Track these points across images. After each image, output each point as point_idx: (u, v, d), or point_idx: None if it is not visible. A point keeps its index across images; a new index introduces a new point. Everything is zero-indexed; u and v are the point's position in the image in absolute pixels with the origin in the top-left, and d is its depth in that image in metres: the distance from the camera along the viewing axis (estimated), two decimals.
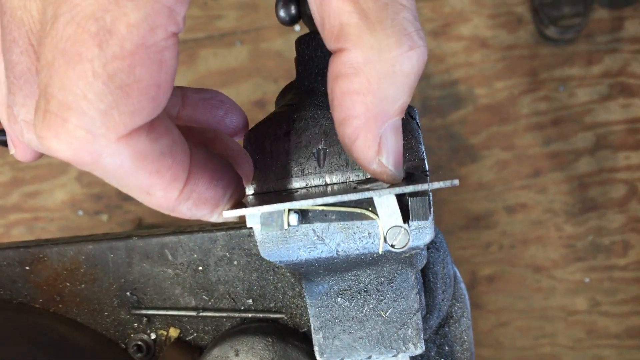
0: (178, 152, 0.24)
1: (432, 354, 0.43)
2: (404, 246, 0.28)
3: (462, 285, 0.43)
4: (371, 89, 0.24)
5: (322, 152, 0.31)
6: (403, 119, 0.26)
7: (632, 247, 1.32)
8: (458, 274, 0.43)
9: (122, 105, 0.21)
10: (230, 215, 0.26)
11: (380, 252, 0.30)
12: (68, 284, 0.45)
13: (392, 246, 0.28)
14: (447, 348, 0.43)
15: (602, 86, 1.31)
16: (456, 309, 0.43)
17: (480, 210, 1.36)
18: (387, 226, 0.28)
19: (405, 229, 0.28)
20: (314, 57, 0.35)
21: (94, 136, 0.21)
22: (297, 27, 1.30)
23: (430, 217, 0.28)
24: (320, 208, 0.28)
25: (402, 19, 0.24)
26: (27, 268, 0.45)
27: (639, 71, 1.30)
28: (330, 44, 0.24)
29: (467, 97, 1.35)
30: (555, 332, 1.33)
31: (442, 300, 0.42)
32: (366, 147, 0.25)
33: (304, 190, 0.30)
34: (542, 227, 1.34)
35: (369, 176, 0.30)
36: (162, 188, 0.24)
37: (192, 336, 0.45)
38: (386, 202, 0.28)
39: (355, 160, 0.26)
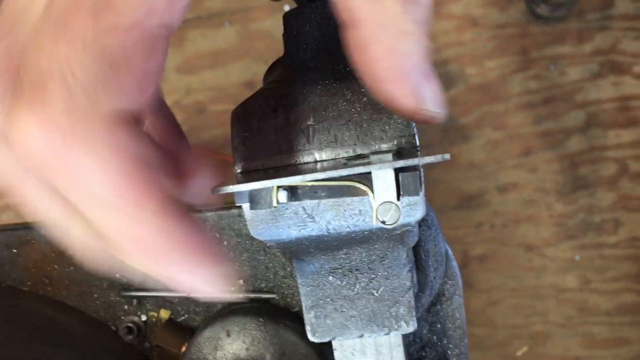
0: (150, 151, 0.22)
1: (424, 331, 0.43)
2: (395, 222, 0.28)
3: (454, 263, 0.43)
4: (392, 51, 0.24)
5: (311, 128, 0.30)
6: None
7: (622, 224, 1.32)
8: (450, 251, 0.43)
9: (109, 82, 0.19)
10: (219, 192, 0.25)
11: (374, 224, 0.29)
12: (56, 266, 0.45)
13: (383, 222, 0.28)
14: (439, 326, 0.43)
15: (592, 64, 1.31)
16: (448, 286, 0.43)
17: (472, 189, 1.36)
18: (379, 201, 0.28)
19: (396, 205, 0.28)
20: (302, 32, 0.34)
21: (82, 113, 0.19)
22: (286, 7, 1.29)
23: (421, 193, 0.28)
24: (311, 184, 0.27)
25: None
26: (15, 251, 0.45)
27: (629, 49, 1.30)
28: (344, 17, 0.25)
29: (458, 76, 1.34)
30: (546, 310, 1.34)
31: (434, 278, 0.41)
32: (405, 105, 0.25)
33: (293, 168, 0.29)
34: (534, 206, 1.34)
35: (359, 152, 0.30)
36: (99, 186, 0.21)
37: (183, 317, 0.45)
38: (383, 177, 0.27)
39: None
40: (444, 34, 1.32)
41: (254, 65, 1.35)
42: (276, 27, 1.33)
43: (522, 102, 1.31)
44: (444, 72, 1.33)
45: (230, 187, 0.25)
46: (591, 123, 1.30)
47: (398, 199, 0.28)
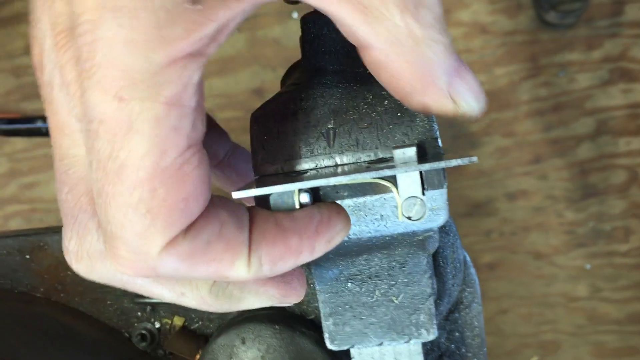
0: (230, 231, 0.25)
1: (442, 340, 0.43)
2: (421, 217, 0.28)
3: (472, 270, 0.42)
4: (411, 64, 0.24)
5: (331, 131, 0.30)
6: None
7: (633, 233, 1.31)
8: (468, 258, 0.42)
9: (154, 225, 0.23)
10: (240, 196, 0.25)
11: (400, 219, 0.29)
12: (69, 272, 0.44)
13: (409, 217, 0.28)
14: (457, 334, 0.42)
15: (602, 71, 1.31)
16: (466, 294, 0.42)
17: (481, 197, 1.36)
18: (403, 197, 0.27)
19: (421, 200, 0.27)
20: (320, 35, 0.34)
21: (141, 255, 0.24)
22: (294, 13, 1.29)
23: (445, 186, 0.28)
24: (333, 183, 0.27)
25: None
26: (28, 257, 0.44)
27: (639, 56, 1.29)
28: (352, 42, 0.25)
29: None
30: (556, 318, 1.33)
31: (452, 285, 0.41)
32: (442, 110, 0.25)
33: (314, 171, 0.29)
34: (543, 213, 1.33)
35: (381, 156, 0.29)
36: (228, 268, 0.25)
37: (197, 324, 0.44)
38: (407, 175, 0.27)
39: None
40: (453, 41, 1.31)
41: (262, 73, 1.35)
42: (284, 34, 1.33)
43: (531, 110, 1.31)
44: None
45: (254, 190, 0.25)
46: (601, 130, 1.30)
47: (423, 193, 0.27)
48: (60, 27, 0.23)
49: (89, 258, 0.26)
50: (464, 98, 0.25)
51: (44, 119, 1.12)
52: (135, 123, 0.22)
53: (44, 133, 1.01)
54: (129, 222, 0.23)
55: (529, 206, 1.32)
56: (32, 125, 1.03)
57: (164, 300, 0.28)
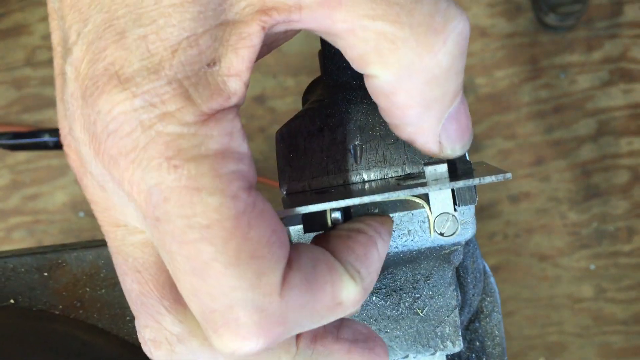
0: (319, 252, 0.25)
1: (463, 349, 0.43)
2: (454, 233, 0.28)
3: (492, 280, 0.42)
4: (415, 102, 0.23)
5: (358, 148, 0.30)
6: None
7: (636, 232, 1.32)
8: (487, 267, 0.42)
9: (263, 267, 0.22)
10: (286, 214, 0.25)
11: (432, 237, 0.29)
12: (88, 289, 0.44)
13: (442, 234, 0.28)
14: (477, 343, 0.42)
15: (602, 72, 1.31)
16: (486, 303, 0.42)
17: (484, 200, 1.36)
18: (435, 213, 0.27)
19: (453, 216, 0.27)
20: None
21: (266, 310, 0.22)
22: None
23: (476, 203, 0.28)
24: (368, 201, 0.27)
25: (421, 13, 0.22)
26: (46, 274, 0.44)
27: (639, 56, 1.30)
28: (357, 69, 0.24)
29: (468, 87, 1.34)
30: (561, 320, 1.33)
31: (473, 295, 0.41)
32: (427, 148, 0.25)
33: (343, 188, 0.29)
34: (547, 215, 1.33)
35: (408, 172, 0.29)
36: (340, 286, 0.25)
37: None
38: (438, 192, 0.27)
39: None
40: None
41: (263, 80, 1.35)
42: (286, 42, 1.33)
43: (532, 112, 1.31)
44: None
45: (286, 210, 0.25)
46: (602, 131, 1.30)
47: (455, 209, 0.27)
48: (90, 133, 0.23)
49: (168, 343, 0.25)
50: (451, 144, 0.25)
51: (49, 132, 1.11)
52: (197, 181, 0.22)
53: (51, 147, 1.01)
54: (236, 279, 0.22)
55: (532, 208, 1.32)
56: (38, 140, 1.03)
57: None
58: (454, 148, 0.25)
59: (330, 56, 0.34)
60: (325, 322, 0.24)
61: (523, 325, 1.33)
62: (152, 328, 0.25)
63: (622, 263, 1.31)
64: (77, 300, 0.44)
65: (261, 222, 0.23)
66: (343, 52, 0.24)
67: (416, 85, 0.23)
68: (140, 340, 0.26)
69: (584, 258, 1.32)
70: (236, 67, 0.23)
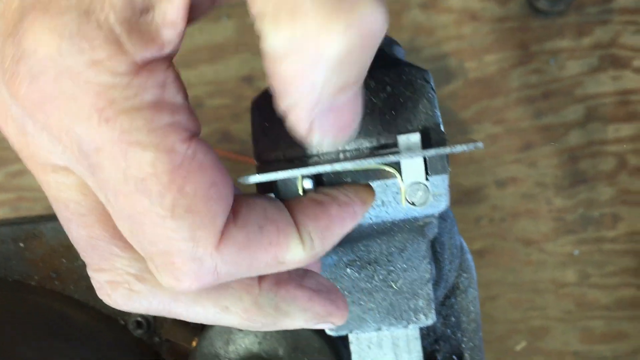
0: (274, 213, 0.25)
1: (438, 325, 0.43)
2: (425, 202, 0.28)
3: (469, 256, 0.42)
4: (297, 77, 0.22)
5: None
6: (369, 86, 0.25)
7: (621, 219, 1.32)
8: (464, 244, 0.42)
9: (198, 222, 0.22)
10: (244, 182, 0.25)
11: (403, 205, 0.29)
12: (64, 260, 0.44)
13: (413, 203, 0.28)
14: (453, 319, 0.42)
15: (592, 58, 1.31)
16: (463, 279, 0.42)
17: (471, 184, 1.36)
18: (407, 183, 0.27)
19: (425, 185, 0.27)
20: None
21: (200, 261, 0.23)
22: None
23: (448, 172, 0.28)
24: (339, 169, 0.27)
25: None
26: (22, 245, 0.44)
27: (629, 42, 1.30)
28: (255, 24, 0.22)
29: (458, 71, 1.34)
30: (545, 304, 1.34)
31: (449, 270, 0.41)
32: (296, 127, 0.24)
33: (316, 157, 0.29)
34: (533, 200, 1.34)
35: (383, 142, 0.29)
36: (286, 250, 0.24)
37: None
38: (410, 160, 0.27)
39: None
40: (443, 27, 1.31)
41: (252, 60, 1.34)
42: None
43: (521, 97, 1.31)
44: (443, 66, 1.33)
45: (259, 176, 0.25)
46: (591, 117, 1.30)
47: (426, 179, 0.27)
48: (10, 73, 0.22)
49: (125, 283, 0.25)
50: (320, 135, 0.24)
51: None
52: (131, 135, 0.22)
53: None
54: (172, 231, 0.22)
55: (518, 193, 1.32)
56: None
57: (205, 322, 0.27)
58: (323, 139, 0.24)
59: None
60: (264, 273, 0.25)
61: (507, 309, 1.34)
62: (107, 271, 0.25)
63: (607, 249, 1.32)
64: (53, 271, 0.44)
65: (199, 176, 0.22)
66: (248, 7, 0.22)
67: (302, 59, 0.21)
68: (95, 286, 0.26)
69: (569, 243, 1.33)
70: (170, 16, 0.23)
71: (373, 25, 0.20)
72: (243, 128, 1.42)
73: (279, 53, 0.22)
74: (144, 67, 0.22)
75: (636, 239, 1.32)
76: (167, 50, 0.23)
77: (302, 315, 0.28)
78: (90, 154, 0.22)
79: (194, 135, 0.23)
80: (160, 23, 0.22)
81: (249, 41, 1.34)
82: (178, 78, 0.23)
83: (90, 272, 0.26)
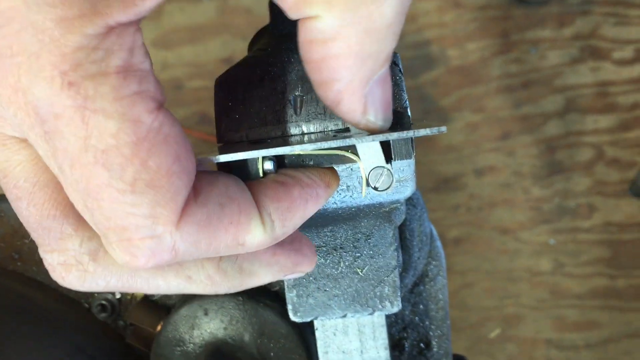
0: (236, 192, 0.24)
1: (406, 312, 0.43)
2: (388, 187, 0.27)
3: (439, 244, 0.42)
4: (352, 51, 0.22)
5: (298, 99, 0.29)
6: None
7: (596, 209, 1.33)
8: (434, 231, 0.42)
9: (159, 199, 0.21)
10: (203, 162, 0.24)
11: (363, 195, 0.28)
12: (27, 240, 0.43)
13: (376, 188, 0.27)
14: (421, 306, 0.42)
15: (572, 49, 1.31)
16: (432, 267, 0.42)
17: (449, 172, 1.36)
18: (369, 168, 0.27)
19: (388, 170, 0.27)
20: None
21: (159, 238, 0.22)
22: None
23: (413, 156, 0.27)
24: (297, 153, 0.26)
25: None
26: None
27: (609, 34, 1.30)
28: (293, 13, 0.22)
29: (439, 58, 1.34)
30: (519, 292, 1.35)
31: (418, 258, 0.41)
32: (352, 109, 0.24)
33: (280, 140, 0.28)
34: (510, 189, 1.35)
35: (348, 125, 0.29)
36: (246, 230, 0.23)
37: (159, 295, 0.44)
38: (367, 145, 0.26)
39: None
40: (426, 14, 1.31)
41: (232, 42, 1.33)
42: (256, 2, 1.30)
43: (501, 86, 1.31)
44: (425, 53, 1.32)
45: (217, 156, 0.24)
46: (569, 108, 1.31)
47: (389, 162, 0.27)
48: None
49: (78, 265, 0.24)
50: (375, 110, 0.24)
51: None
52: (95, 103, 0.20)
53: None
54: (131, 206, 0.21)
55: (496, 182, 1.33)
56: None
57: (168, 292, 0.26)
58: (377, 115, 0.24)
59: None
60: (223, 254, 0.24)
61: (482, 296, 1.35)
62: (59, 252, 0.24)
63: (581, 239, 1.33)
64: (15, 252, 0.43)
65: (163, 149, 0.21)
66: None
67: (357, 32, 0.22)
68: (48, 268, 0.25)
69: (544, 233, 1.34)
70: None
71: None
72: None
73: (331, 32, 0.22)
74: (113, 29, 0.20)
75: (611, 230, 1.33)
76: (143, 12, 0.21)
77: (268, 271, 0.27)
78: (48, 119, 0.21)
79: (161, 105, 0.22)
80: None
81: (230, 23, 1.32)
82: (144, 44, 0.22)
83: (42, 254, 0.25)
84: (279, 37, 0.32)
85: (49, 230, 0.24)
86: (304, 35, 0.23)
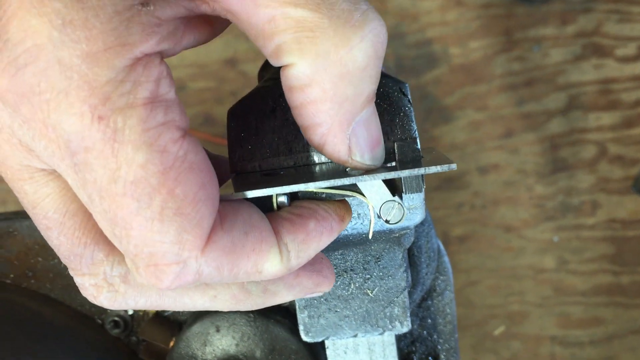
0: (258, 220, 0.24)
1: (415, 326, 0.43)
2: (399, 220, 0.28)
3: (446, 259, 0.43)
4: (328, 96, 0.23)
5: None
6: (378, 102, 0.26)
7: (600, 206, 1.34)
8: (442, 247, 0.42)
9: (186, 225, 0.22)
10: (225, 199, 0.25)
11: (370, 237, 0.29)
12: (40, 258, 0.44)
13: (387, 221, 0.28)
14: (429, 321, 0.43)
15: (575, 46, 1.31)
16: (439, 282, 0.42)
17: (453, 171, 1.37)
18: (377, 203, 0.27)
19: (399, 203, 0.27)
20: None
21: (184, 263, 0.23)
22: None
23: (423, 190, 0.28)
24: (312, 189, 0.27)
25: (341, 8, 0.22)
26: None
27: (612, 31, 1.30)
28: (273, 62, 0.23)
29: (442, 57, 1.34)
30: (523, 290, 1.36)
31: (426, 274, 0.41)
32: (336, 151, 0.24)
33: (292, 170, 0.29)
34: (513, 187, 1.35)
35: None
36: (265, 259, 0.24)
37: (171, 312, 0.44)
38: (370, 184, 0.27)
39: None
40: (428, 13, 1.31)
41: (235, 43, 1.33)
42: None
43: (504, 84, 1.31)
44: (428, 52, 1.32)
45: (233, 194, 0.24)
46: (572, 105, 1.31)
47: (399, 195, 0.27)
48: None
49: (110, 286, 0.25)
50: (360, 150, 0.25)
51: None
52: (124, 135, 0.21)
53: None
54: (159, 234, 0.22)
55: (499, 180, 1.33)
56: None
57: (194, 309, 0.27)
58: (363, 156, 0.25)
59: None
60: (241, 280, 0.25)
61: (486, 294, 1.36)
62: (90, 275, 0.25)
63: (585, 236, 1.34)
64: (29, 269, 0.44)
65: (189, 177, 0.22)
66: (260, 46, 0.23)
67: (331, 77, 0.23)
68: (79, 287, 0.26)
69: (548, 230, 1.34)
70: (170, 9, 0.22)
71: (381, 35, 0.23)
72: (226, 111, 1.41)
73: (306, 79, 0.23)
74: (140, 60, 0.21)
75: (614, 227, 1.33)
76: (166, 44, 0.22)
77: (290, 292, 0.28)
78: (78, 152, 0.21)
79: (185, 132, 0.22)
80: (160, 15, 0.21)
81: (232, 24, 1.32)
82: (170, 71, 0.23)
83: (74, 276, 0.26)
84: None
85: (80, 257, 0.25)
86: (284, 82, 0.24)
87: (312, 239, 0.26)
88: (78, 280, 0.26)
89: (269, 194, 0.25)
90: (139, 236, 0.22)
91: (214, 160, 0.28)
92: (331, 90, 0.23)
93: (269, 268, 0.25)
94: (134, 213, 0.22)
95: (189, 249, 0.22)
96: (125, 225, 0.22)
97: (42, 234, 0.25)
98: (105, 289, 0.25)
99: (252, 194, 0.25)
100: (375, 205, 0.27)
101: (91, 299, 0.26)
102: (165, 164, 0.21)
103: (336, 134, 0.24)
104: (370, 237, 0.28)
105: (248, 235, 0.24)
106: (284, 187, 0.25)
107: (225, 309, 0.27)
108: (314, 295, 0.29)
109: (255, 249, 0.24)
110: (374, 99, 0.25)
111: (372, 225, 0.28)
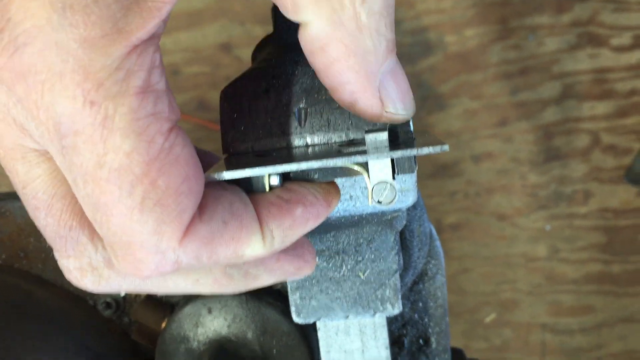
0: (239, 208, 0.24)
1: (406, 310, 0.43)
2: (391, 201, 0.28)
3: (438, 243, 0.43)
4: (350, 51, 0.23)
5: (303, 111, 0.29)
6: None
7: (592, 195, 1.35)
8: (434, 231, 0.43)
9: (165, 217, 0.22)
10: (210, 179, 0.25)
11: (370, 204, 0.29)
12: (32, 239, 0.44)
13: (379, 202, 0.28)
14: (420, 304, 0.43)
15: (570, 35, 1.31)
16: (431, 266, 0.43)
17: (447, 158, 1.37)
18: (374, 181, 0.27)
19: (391, 184, 0.27)
20: None
21: (161, 252, 0.23)
22: None
23: (415, 172, 0.28)
24: (305, 168, 0.26)
25: None
26: None
27: (607, 21, 1.30)
28: (291, 17, 0.24)
29: (437, 44, 1.34)
30: (515, 278, 1.37)
31: (418, 257, 0.41)
32: (369, 106, 0.25)
33: (285, 152, 0.29)
34: (507, 175, 1.35)
35: (352, 137, 0.29)
36: (246, 245, 0.24)
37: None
38: (379, 161, 0.27)
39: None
40: (424, 0, 1.30)
41: (230, 27, 1.32)
42: None
43: (499, 72, 1.32)
44: (423, 39, 1.32)
45: (225, 173, 0.24)
46: (567, 94, 1.31)
47: (393, 178, 0.27)
48: None
49: (94, 270, 0.25)
50: (392, 102, 0.25)
51: None
52: (114, 123, 0.21)
53: None
54: (138, 223, 0.22)
55: (493, 168, 1.34)
56: None
57: (177, 293, 0.27)
58: (396, 106, 0.25)
59: (282, 15, 0.34)
60: (222, 264, 0.25)
61: (478, 282, 1.37)
62: (75, 259, 0.25)
63: (577, 225, 1.34)
64: (21, 250, 0.44)
65: (173, 169, 0.22)
66: (276, 1, 0.23)
67: (350, 31, 0.23)
68: (63, 270, 0.26)
69: (541, 219, 1.35)
70: None
71: None
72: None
73: (325, 38, 0.23)
74: (135, 48, 0.21)
75: (606, 216, 1.34)
76: (161, 29, 0.22)
77: (271, 275, 0.28)
78: (68, 135, 0.21)
79: (174, 124, 0.23)
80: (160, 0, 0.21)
81: (227, 8, 1.32)
82: (162, 60, 0.23)
83: (58, 258, 0.26)
84: (283, 47, 0.32)
85: (65, 239, 0.25)
86: (305, 47, 0.24)
87: (298, 225, 0.26)
88: (63, 262, 0.26)
89: (255, 174, 0.25)
90: (119, 224, 0.22)
91: (203, 156, 0.28)
92: (352, 44, 0.23)
93: (250, 252, 0.25)
94: (115, 200, 0.22)
95: (167, 240, 0.23)
96: (106, 211, 0.22)
97: (30, 214, 0.26)
98: (89, 272, 0.26)
99: (229, 174, 0.25)
100: (371, 180, 0.27)
101: (75, 282, 0.26)
102: (151, 154, 0.22)
103: (366, 89, 0.24)
104: (370, 204, 0.28)
105: (227, 225, 0.24)
106: (275, 166, 0.25)
107: (208, 292, 0.27)
108: (295, 278, 0.29)
109: (234, 237, 0.24)
110: (395, 50, 0.25)
111: (371, 195, 0.28)
